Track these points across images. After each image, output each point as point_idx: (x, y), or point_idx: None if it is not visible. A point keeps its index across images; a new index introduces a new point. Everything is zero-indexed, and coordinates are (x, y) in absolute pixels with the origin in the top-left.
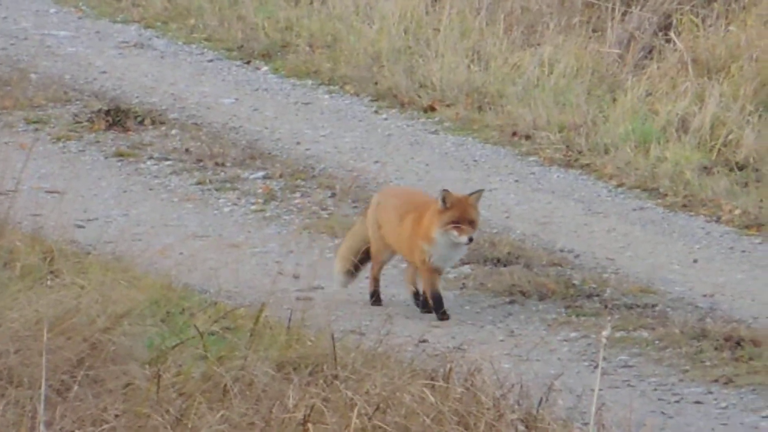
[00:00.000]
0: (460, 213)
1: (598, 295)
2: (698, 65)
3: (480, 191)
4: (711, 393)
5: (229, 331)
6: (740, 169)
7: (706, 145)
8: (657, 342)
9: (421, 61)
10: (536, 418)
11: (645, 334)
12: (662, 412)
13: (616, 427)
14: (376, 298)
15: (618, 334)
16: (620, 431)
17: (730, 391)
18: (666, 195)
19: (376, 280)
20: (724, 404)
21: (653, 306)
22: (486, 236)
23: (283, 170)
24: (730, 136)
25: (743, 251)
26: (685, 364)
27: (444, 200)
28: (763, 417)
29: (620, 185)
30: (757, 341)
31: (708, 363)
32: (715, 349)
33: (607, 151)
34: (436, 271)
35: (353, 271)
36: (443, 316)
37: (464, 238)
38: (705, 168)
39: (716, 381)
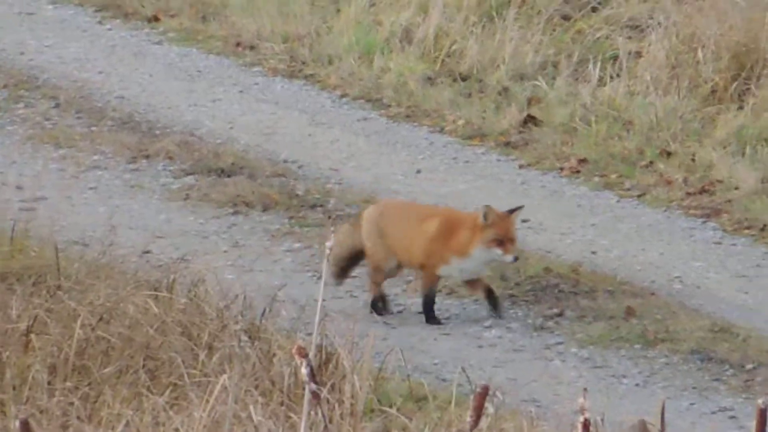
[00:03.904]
0: (504, 231)
1: (321, 206)
2: None
3: (519, 208)
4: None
5: None
6: (464, 79)
7: (430, 56)
8: None
9: None
10: (260, 328)
11: None
12: (385, 323)
13: (339, 338)
14: (382, 304)
15: None
16: (344, 342)
17: (453, 302)
18: (390, 105)
19: (376, 285)
20: (447, 314)
21: None
22: (210, 147)
23: (6, 81)
24: (454, 47)
25: (466, 161)
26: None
27: (486, 216)
28: (486, 327)
29: (344, 96)
30: None
31: None
32: None
33: (331, 62)
34: (438, 279)
35: (342, 273)
36: (432, 321)
37: (509, 257)
38: (429, 79)
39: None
